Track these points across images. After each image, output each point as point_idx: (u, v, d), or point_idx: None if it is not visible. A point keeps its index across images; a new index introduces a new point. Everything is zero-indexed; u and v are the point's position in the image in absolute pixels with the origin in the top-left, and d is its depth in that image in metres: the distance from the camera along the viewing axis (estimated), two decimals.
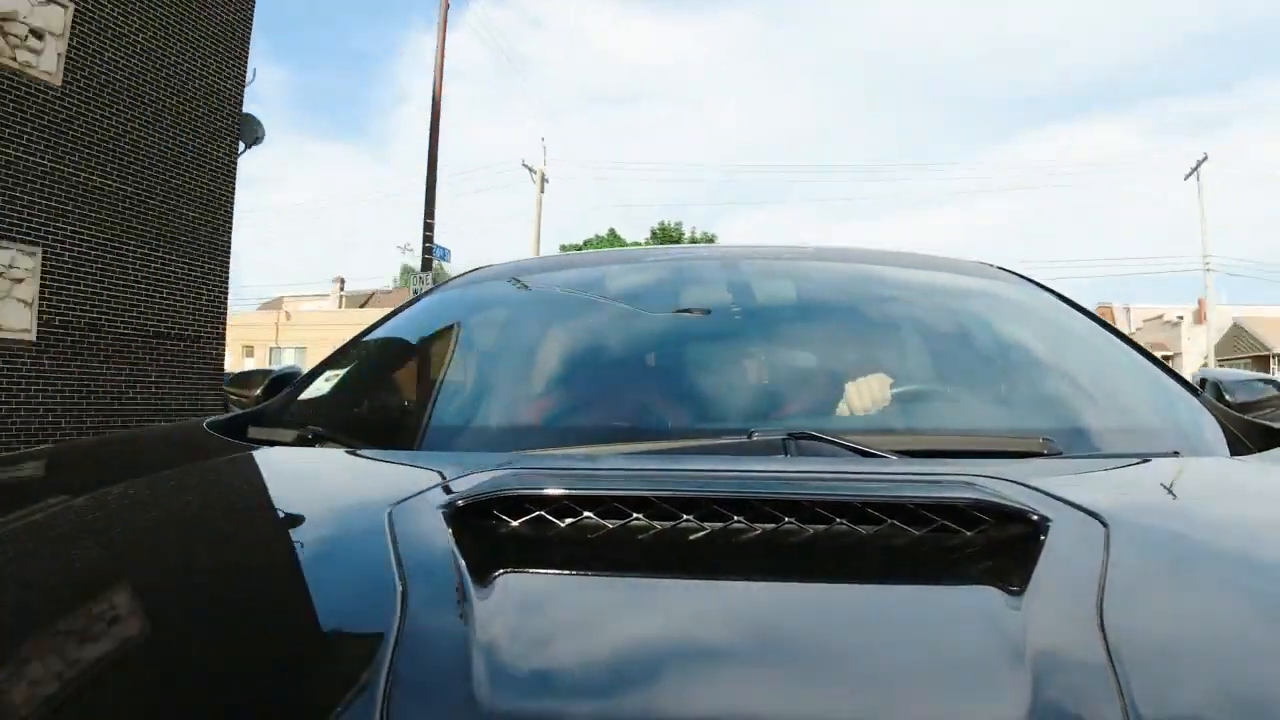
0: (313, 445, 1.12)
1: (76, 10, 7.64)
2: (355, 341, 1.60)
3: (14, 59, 7.13)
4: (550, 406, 1.27)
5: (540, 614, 0.58)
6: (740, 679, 0.49)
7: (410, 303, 1.72)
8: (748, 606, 0.60)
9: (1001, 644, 0.52)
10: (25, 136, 7.20)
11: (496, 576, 0.60)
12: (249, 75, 9.71)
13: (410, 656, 0.50)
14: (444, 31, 11.47)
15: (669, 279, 1.61)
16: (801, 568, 0.65)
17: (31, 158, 7.27)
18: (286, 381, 1.52)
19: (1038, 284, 1.63)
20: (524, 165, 25.82)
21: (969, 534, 0.66)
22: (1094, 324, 1.46)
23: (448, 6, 11.50)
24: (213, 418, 1.31)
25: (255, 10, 9.75)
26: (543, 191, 26.04)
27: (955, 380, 1.30)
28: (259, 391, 1.53)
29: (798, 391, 1.29)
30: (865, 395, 1.16)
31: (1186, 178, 27.52)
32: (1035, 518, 0.66)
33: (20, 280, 7.15)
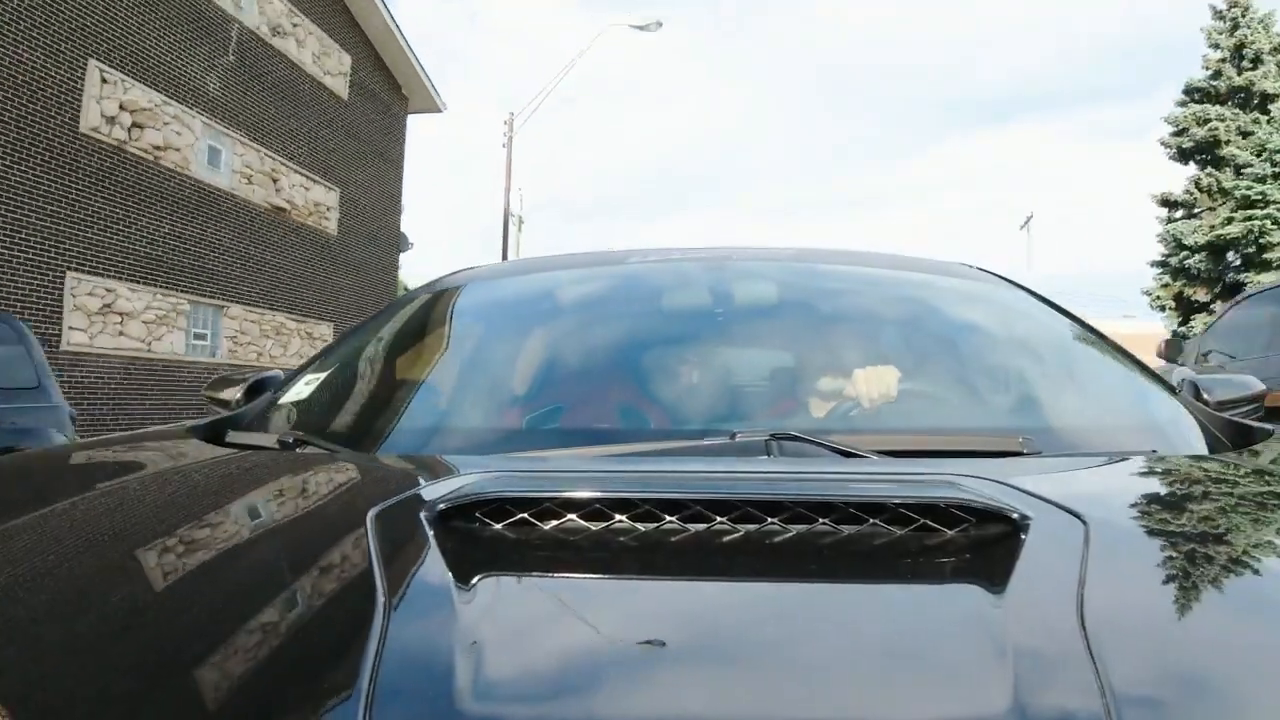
0: (293, 449, 1.10)
1: (341, 193, 14.16)
2: (336, 344, 1.57)
3: (320, 225, 13.64)
4: (533, 409, 1.28)
5: (523, 617, 0.58)
6: (724, 680, 0.50)
7: (391, 306, 1.70)
8: (731, 607, 0.60)
9: (983, 641, 0.52)
10: (323, 266, 13.76)
11: (479, 580, 0.60)
12: (401, 207, 16.33)
13: (393, 660, 0.50)
14: (510, 161, 17.99)
15: (651, 281, 1.61)
16: (784, 568, 0.65)
17: (326, 276, 13.86)
18: (266, 385, 1.50)
19: (1017, 285, 1.64)
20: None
21: (950, 533, 0.66)
22: (1073, 324, 1.48)
23: (511, 149, 17.99)
24: (193, 422, 1.30)
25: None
26: (520, 231, 32.74)
27: (936, 380, 1.31)
28: (239, 395, 1.49)
29: (780, 392, 1.30)
30: (875, 384, 1.18)
31: (1020, 228, 35.03)
32: (1015, 516, 0.67)
33: (327, 341, 13.70)
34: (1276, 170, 19.18)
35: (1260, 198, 19.13)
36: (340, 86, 14.25)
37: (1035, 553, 0.63)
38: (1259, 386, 1.41)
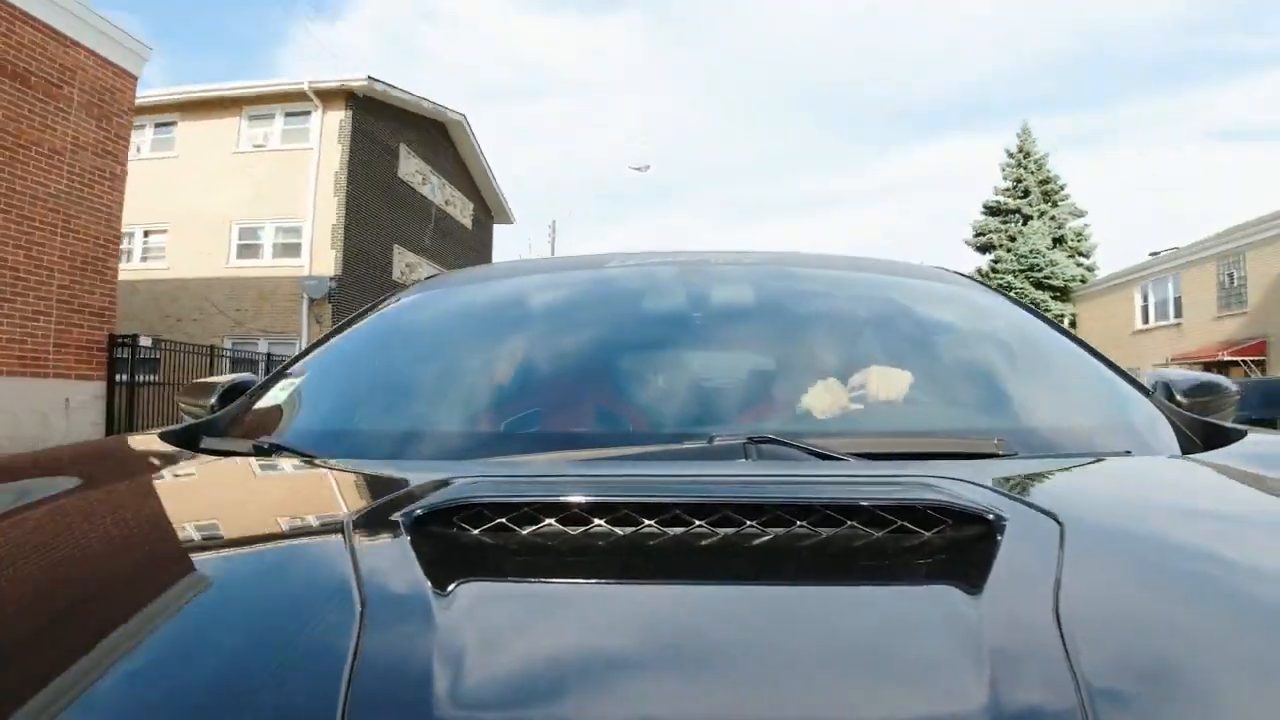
0: (268, 455, 1.09)
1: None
2: (311, 349, 1.58)
3: None
4: (511, 414, 1.27)
5: (501, 623, 0.58)
6: (703, 683, 0.50)
7: (366, 310, 1.69)
8: (710, 610, 0.60)
9: (960, 642, 0.53)
10: None
11: (457, 586, 0.60)
12: None
13: (370, 669, 0.50)
14: (554, 242, 28.34)
15: (629, 285, 1.61)
16: (763, 571, 0.66)
17: None
18: (241, 390, 1.49)
19: (992, 288, 1.68)
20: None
21: (927, 534, 0.67)
22: (1047, 327, 1.50)
23: (555, 233, 28.45)
24: (165, 428, 1.29)
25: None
26: None
27: (912, 383, 1.30)
28: (213, 400, 1.48)
29: (757, 396, 1.31)
30: (886, 384, 1.21)
31: None
32: (992, 517, 0.67)
33: None
34: (1020, 267, 31.33)
35: (1008, 285, 31.23)
36: (467, 222, 24.78)
37: (1011, 553, 0.63)
38: (1231, 387, 1.44)
